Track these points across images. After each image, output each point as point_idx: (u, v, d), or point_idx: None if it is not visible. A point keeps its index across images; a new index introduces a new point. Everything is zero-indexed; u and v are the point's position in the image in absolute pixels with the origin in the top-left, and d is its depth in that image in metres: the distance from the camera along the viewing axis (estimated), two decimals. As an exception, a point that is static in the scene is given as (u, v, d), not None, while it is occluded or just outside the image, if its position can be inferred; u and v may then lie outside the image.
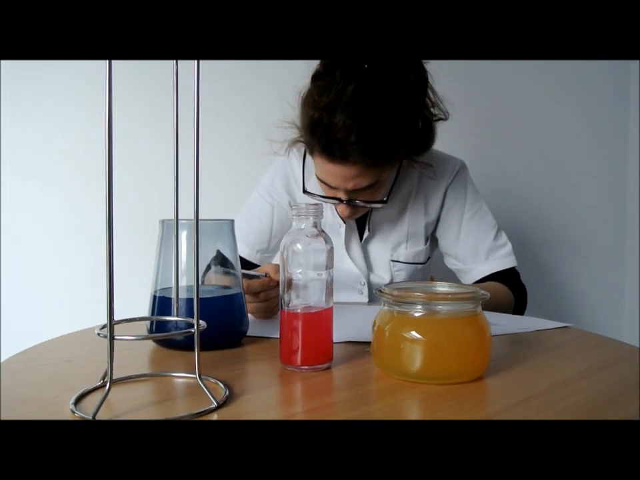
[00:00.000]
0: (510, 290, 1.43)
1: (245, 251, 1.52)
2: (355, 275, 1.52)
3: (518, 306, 1.44)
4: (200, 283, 0.75)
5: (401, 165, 1.43)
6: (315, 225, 0.80)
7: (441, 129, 1.35)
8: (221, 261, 0.90)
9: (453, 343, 0.75)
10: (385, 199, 1.40)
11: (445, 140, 1.41)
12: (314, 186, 1.44)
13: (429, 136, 1.32)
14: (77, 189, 2.00)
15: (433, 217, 1.53)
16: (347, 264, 1.52)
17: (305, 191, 1.43)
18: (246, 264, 1.51)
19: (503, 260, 1.48)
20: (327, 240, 0.80)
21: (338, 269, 1.49)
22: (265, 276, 1.10)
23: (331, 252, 0.80)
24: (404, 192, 1.50)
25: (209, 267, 0.90)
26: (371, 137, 1.18)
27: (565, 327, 1.11)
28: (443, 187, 1.51)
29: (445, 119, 1.32)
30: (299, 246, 0.79)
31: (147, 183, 2.01)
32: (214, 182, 1.97)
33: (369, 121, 1.17)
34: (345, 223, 1.52)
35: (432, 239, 1.57)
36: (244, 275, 1.09)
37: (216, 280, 0.92)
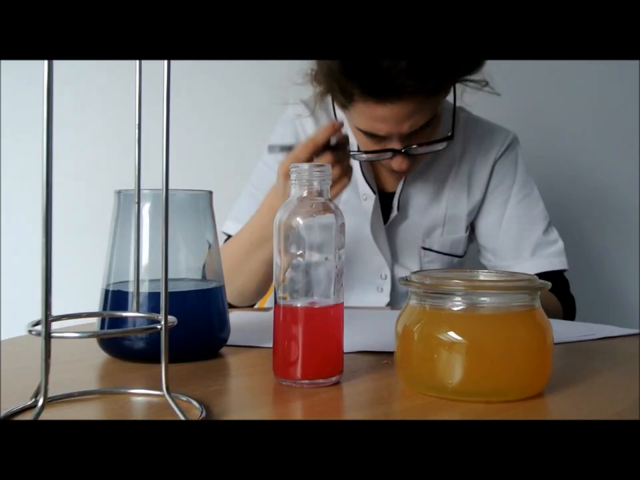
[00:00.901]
0: (557, 299, 1.20)
1: None
2: (375, 264, 1.27)
3: (565, 320, 1.19)
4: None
5: (455, 92, 1.18)
6: (321, 193, 0.62)
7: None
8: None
9: (504, 346, 0.58)
10: (449, 134, 1.16)
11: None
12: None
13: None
14: (17, 153, 1.72)
15: (477, 198, 1.28)
16: (366, 249, 1.26)
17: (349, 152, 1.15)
18: None
19: (552, 259, 1.24)
20: (337, 213, 0.62)
21: (353, 257, 1.26)
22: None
23: (342, 228, 0.62)
24: (443, 164, 1.27)
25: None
26: (424, 59, 0.98)
27: (638, 334, 0.91)
28: (491, 161, 1.27)
29: None
30: (299, 220, 0.61)
31: (101, 148, 1.74)
32: (197, 157, 1.74)
33: None
34: (374, 194, 1.25)
35: (471, 229, 1.33)
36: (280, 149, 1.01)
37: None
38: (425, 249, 1.29)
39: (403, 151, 1.11)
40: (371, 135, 1.10)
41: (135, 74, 0.59)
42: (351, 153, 1.10)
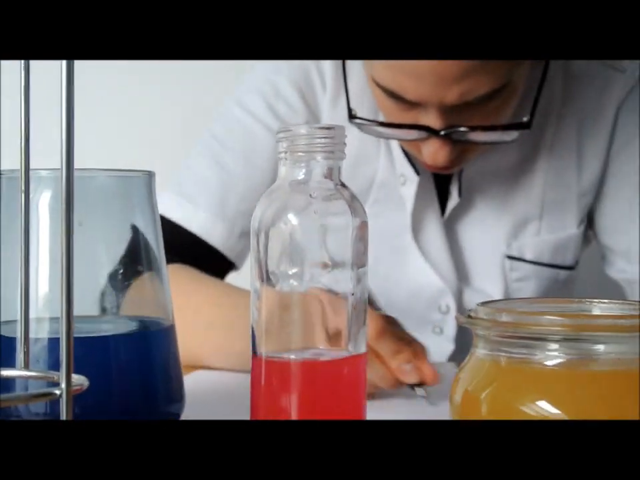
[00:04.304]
0: None
1: (216, 229, 0.82)
2: (429, 289, 0.87)
3: None
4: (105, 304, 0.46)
5: (548, 63, 0.78)
6: (330, 173, 0.41)
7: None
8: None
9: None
10: (525, 119, 0.75)
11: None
12: (369, 107, 0.81)
13: None
14: None
15: (594, 169, 0.86)
16: (412, 265, 0.87)
17: (353, 117, 0.77)
18: (211, 257, 0.83)
19: None
20: (354, 206, 0.41)
21: (391, 277, 0.85)
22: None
23: (361, 232, 0.41)
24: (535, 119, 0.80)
25: (117, 275, 0.48)
26: None
27: None
28: (611, 105, 0.85)
29: None
30: (292, 219, 0.40)
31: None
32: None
33: None
34: (417, 174, 0.83)
35: (587, 223, 0.90)
36: None
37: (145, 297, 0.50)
38: (511, 257, 0.87)
39: (442, 133, 0.72)
40: (393, 96, 0.71)
41: None
42: (359, 122, 0.76)
